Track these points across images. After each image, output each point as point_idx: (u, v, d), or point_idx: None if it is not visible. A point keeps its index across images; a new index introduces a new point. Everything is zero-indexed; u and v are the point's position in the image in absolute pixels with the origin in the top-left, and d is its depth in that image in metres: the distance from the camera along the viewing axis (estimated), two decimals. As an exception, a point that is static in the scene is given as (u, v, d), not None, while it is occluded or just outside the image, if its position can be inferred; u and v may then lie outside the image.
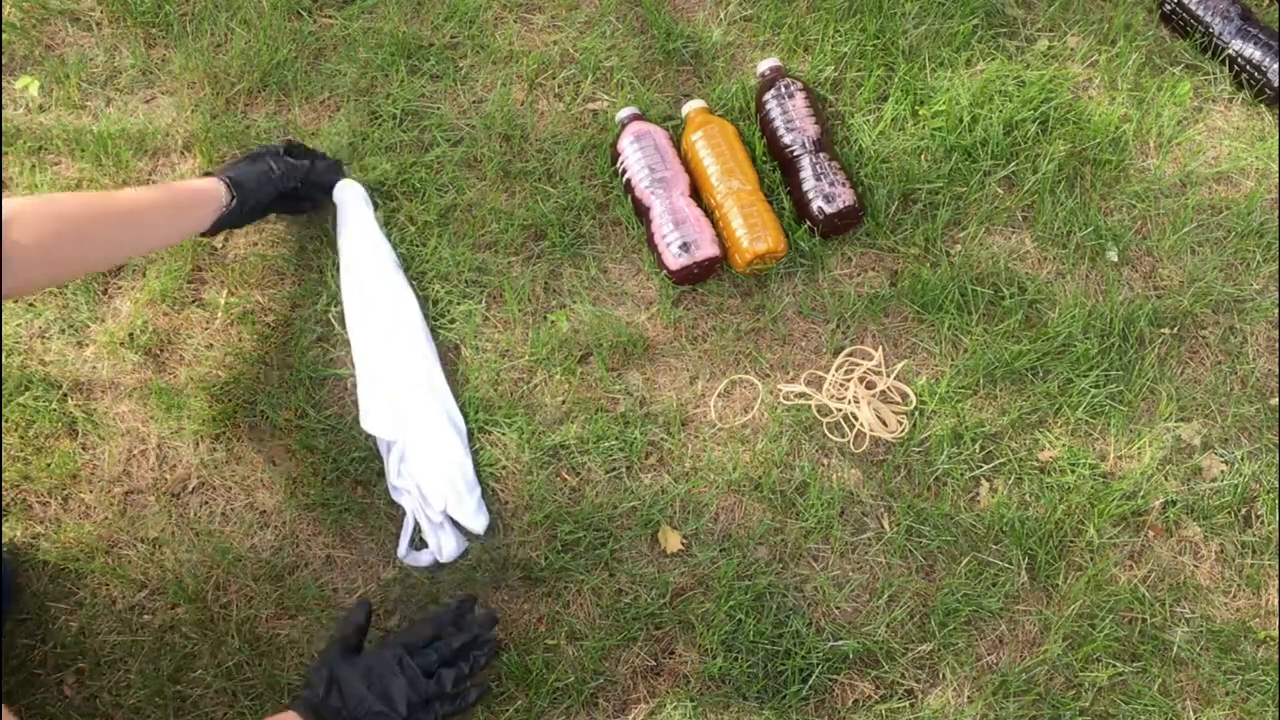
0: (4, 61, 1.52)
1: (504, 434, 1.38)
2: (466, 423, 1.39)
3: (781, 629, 1.33)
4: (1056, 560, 1.38)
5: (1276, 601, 1.39)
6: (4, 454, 1.34)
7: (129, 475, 1.35)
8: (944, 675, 1.34)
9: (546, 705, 1.30)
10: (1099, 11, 1.64)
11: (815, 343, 1.46)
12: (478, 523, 1.33)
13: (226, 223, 1.30)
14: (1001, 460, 1.41)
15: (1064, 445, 1.42)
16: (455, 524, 1.34)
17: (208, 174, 1.32)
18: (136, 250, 1.32)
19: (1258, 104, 1.61)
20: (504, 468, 1.38)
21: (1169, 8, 1.63)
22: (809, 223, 1.46)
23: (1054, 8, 1.63)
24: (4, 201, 1.04)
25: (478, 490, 1.35)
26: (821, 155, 1.47)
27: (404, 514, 1.35)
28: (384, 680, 1.14)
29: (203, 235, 1.31)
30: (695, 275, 1.44)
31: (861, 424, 1.41)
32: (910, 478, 1.40)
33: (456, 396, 1.39)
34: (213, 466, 1.36)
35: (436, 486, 1.33)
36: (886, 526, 1.38)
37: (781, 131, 1.49)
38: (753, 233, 1.42)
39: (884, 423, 1.41)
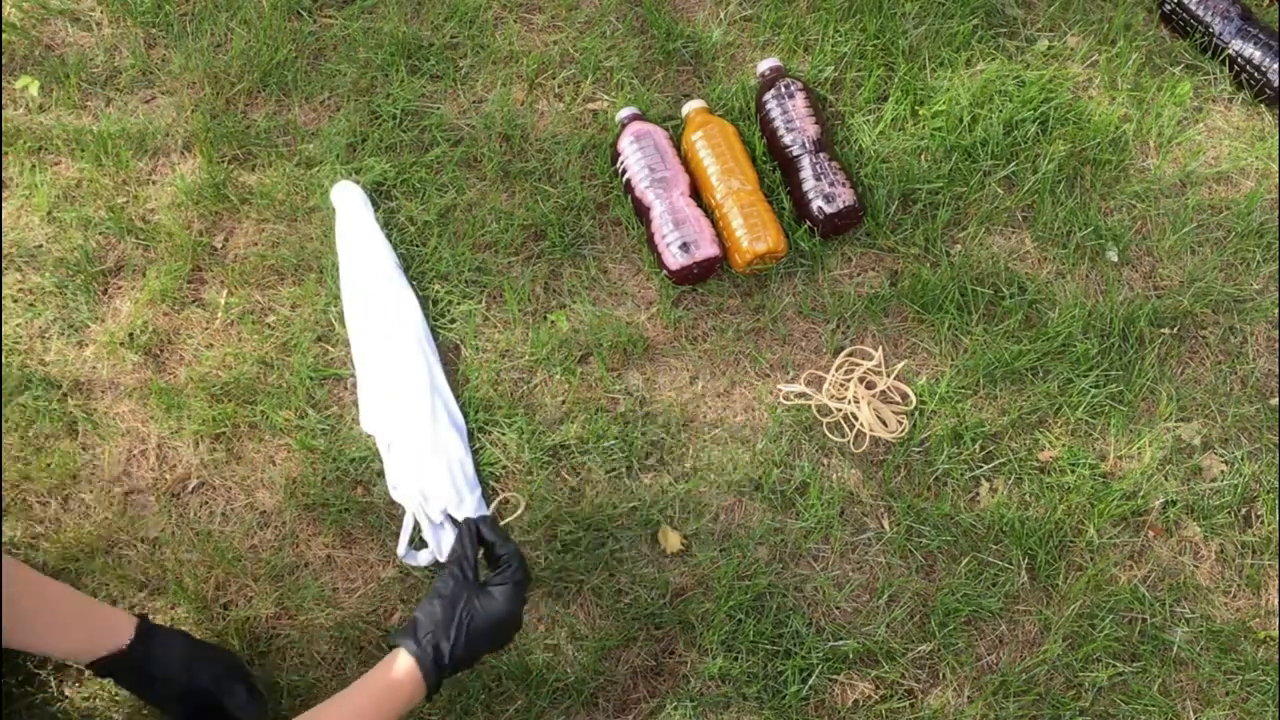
0: (4, 61, 1.52)
1: (504, 434, 1.38)
2: (466, 422, 1.39)
3: (781, 629, 1.33)
4: (1056, 560, 1.38)
5: (1276, 601, 1.39)
6: (4, 454, 1.34)
7: (129, 475, 1.35)
8: (944, 675, 1.34)
9: (546, 705, 1.30)
10: (1099, 11, 1.64)
11: (815, 343, 1.46)
12: (478, 523, 1.33)
13: (118, 669, 1.14)
14: (1001, 460, 1.41)
15: (1064, 445, 1.42)
16: (455, 523, 1.34)
17: (142, 615, 1.18)
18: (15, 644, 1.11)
19: (1258, 104, 1.61)
20: (504, 468, 1.38)
21: (1169, 8, 1.63)
22: (809, 223, 1.46)
23: (1054, 8, 1.63)
24: None
25: (478, 490, 1.35)
26: (821, 155, 1.47)
27: (404, 514, 1.35)
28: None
29: (88, 667, 1.15)
30: (695, 275, 1.44)
31: (861, 424, 1.41)
32: (910, 478, 1.40)
33: (456, 396, 1.39)
34: (213, 466, 1.36)
35: (437, 486, 1.33)
36: (886, 526, 1.38)
37: (781, 131, 1.49)
38: (753, 233, 1.42)
39: (884, 423, 1.41)
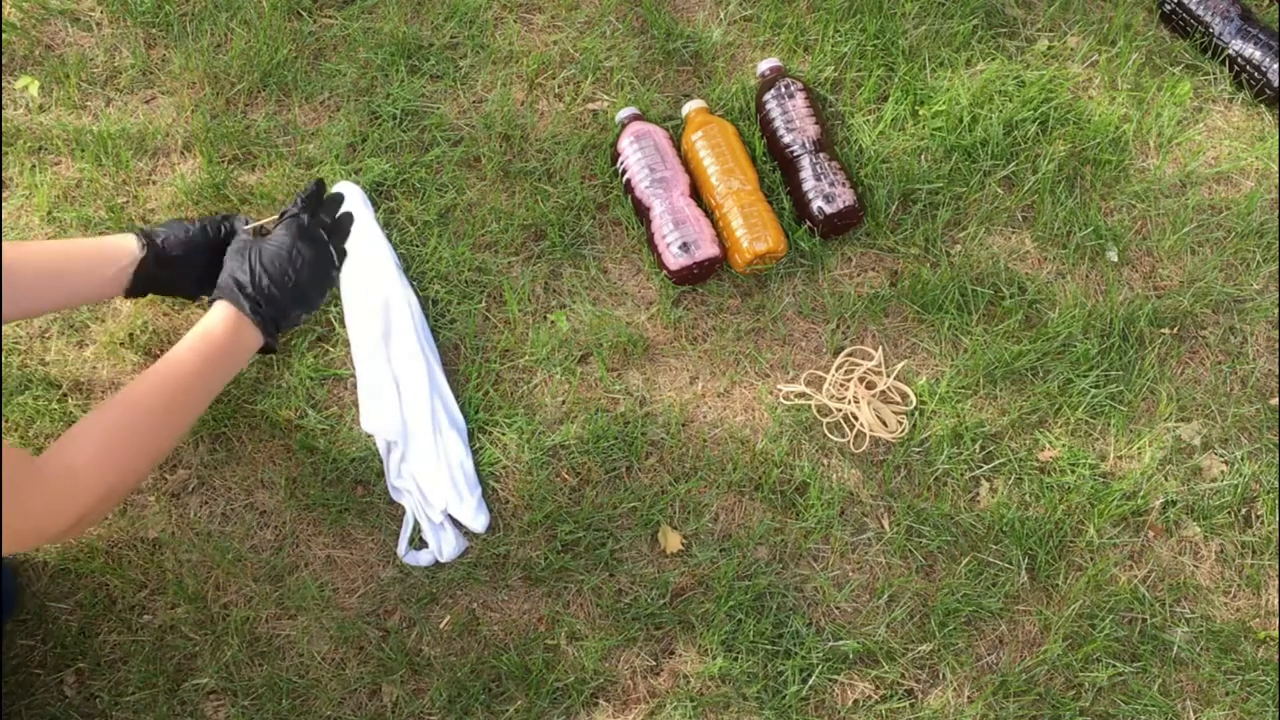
0: (4, 61, 1.52)
1: (504, 434, 1.39)
2: (467, 422, 1.39)
3: (781, 629, 1.33)
4: (1056, 560, 1.38)
5: (1276, 601, 1.39)
6: (4, 453, 1.34)
7: (129, 475, 1.35)
8: (944, 675, 1.34)
9: (546, 705, 1.30)
10: (1099, 11, 1.64)
11: (815, 343, 1.46)
12: (478, 522, 1.33)
13: (146, 280, 1.19)
14: (1001, 460, 1.41)
15: (1064, 445, 1.42)
16: (455, 523, 1.34)
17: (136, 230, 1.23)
18: (21, 312, 1.16)
19: (1258, 104, 1.61)
20: (504, 468, 1.38)
21: (1169, 8, 1.63)
22: (809, 223, 1.46)
23: (1054, 8, 1.63)
24: None
25: (478, 490, 1.35)
26: (821, 155, 1.47)
27: (404, 513, 1.35)
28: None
29: (128, 296, 1.20)
30: (695, 275, 1.44)
31: (861, 424, 1.41)
32: (910, 478, 1.40)
33: (456, 396, 1.39)
34: (213, 466, 1.36)
35: (437, 486, 1.33)
36: (886, 526, 1.38)
37: (781, 131, 1.49)
38: (753, 233, 1.42)
39: (884, 423, 1.41)
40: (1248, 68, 1.58)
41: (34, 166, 1.46)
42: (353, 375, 1.40)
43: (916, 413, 1.42)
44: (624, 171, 1.47)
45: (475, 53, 1.56)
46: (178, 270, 1.21)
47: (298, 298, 1.18)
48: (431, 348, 1.40)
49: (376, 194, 1.48)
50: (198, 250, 1.22)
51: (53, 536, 1.02)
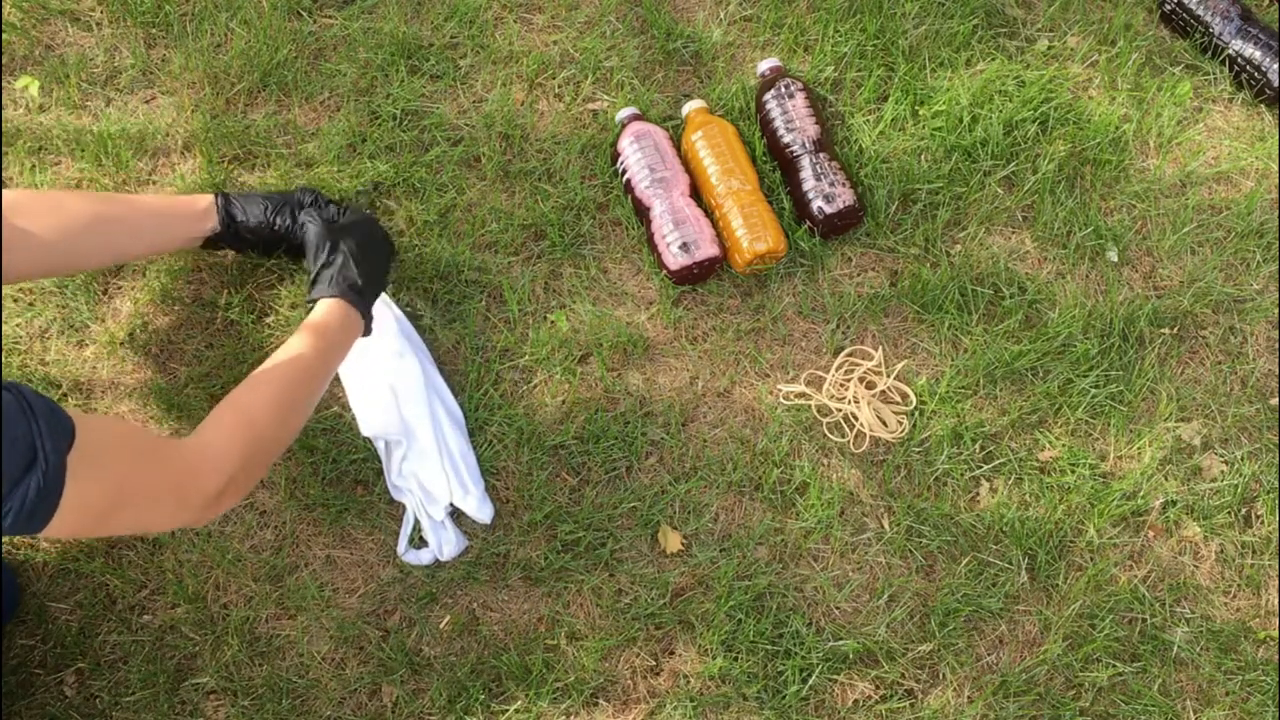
0: (4, 61, 1.52)
1: (504, 434, 1.38)
2: (466, 421, 1.38)
3: (781, 629, 1.33)
4: (1056, 560, 1.38)
5: (1276, 601, 1.39)
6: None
7: (129, 475, 1.35)
8: (944, 675, 1.34)
9: (546, 705, 1.30)
10: (1099, 11, 1.64)
11: (815, 343, 1.46)
12: (484, 513, 1.33)
13: (222, 238, 1.34)
14: (1001, 460, 1.41)
15: (1064, 445, 1.42)
16: (455, 522, 1.34)
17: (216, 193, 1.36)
18: (128, 256, 1.35)
19: (1258, 104, 1.61)
20: (504, 467, 1.38)
21: (1169, 8, 1.63)
22: (809, 223, 1.46)
23: (1054, 8, 1.63)
24: (6, 192, 1.12)
25: (481, 484, 1.35)
26: (821, 155, 1.47)
27: (404, 512, 1.35)
28: None
29: (203, 248, 1.35)
30: (695, 275, 1.44)
31: (861, 424, 1.41)
32: (910, 478, 1.40)
33: (456, 396, 1.39)
34: (213, 466, 1.36)
35: (440, 480, 1.33)
36: (886, 526, 1.38)
37: (781, 131, 1.49)
38: (753, 233, 1.42)
39: (884, 423, 1.41)
40: (1248, 68, 1.58)
41: (34, 166, 1.46)
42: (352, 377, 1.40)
43: (916, 413, 1.42)
44: (624, 171, 1.47)
45: (475, 53, 1.56)
46: (244, 245, 1.36)
47: (382, 283, 1.32)
48: (419, 345, 1.40)
49: (376, 194, 1.48)
50: (268, 235, 1.34)
51: (197, 509, 1.06)
